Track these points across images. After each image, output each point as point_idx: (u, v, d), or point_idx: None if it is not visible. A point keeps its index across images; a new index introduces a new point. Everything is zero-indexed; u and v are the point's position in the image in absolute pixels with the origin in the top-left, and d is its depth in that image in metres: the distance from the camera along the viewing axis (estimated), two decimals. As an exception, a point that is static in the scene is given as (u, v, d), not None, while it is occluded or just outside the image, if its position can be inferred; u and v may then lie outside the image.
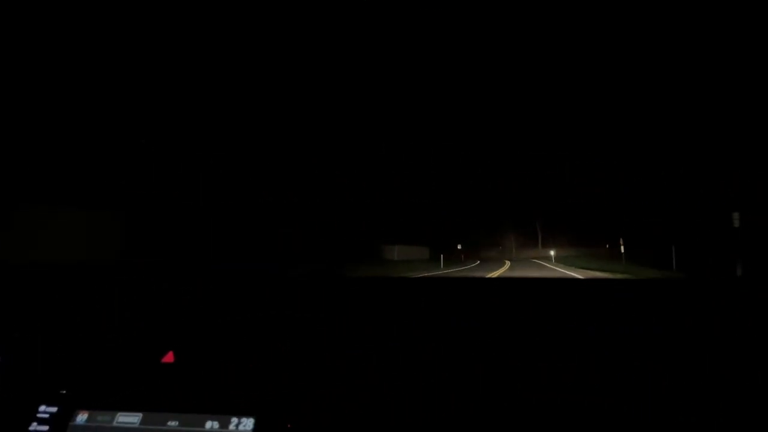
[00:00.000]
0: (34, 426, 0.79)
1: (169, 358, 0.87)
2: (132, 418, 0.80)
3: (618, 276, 2.53)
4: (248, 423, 0.78)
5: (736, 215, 1.69)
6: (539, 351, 0.89)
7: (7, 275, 1.12)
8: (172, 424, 0.79)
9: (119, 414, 0.80)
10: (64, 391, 0.82)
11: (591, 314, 0.98)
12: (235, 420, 0.79)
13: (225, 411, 0.79)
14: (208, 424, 0.79)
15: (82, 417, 0.80)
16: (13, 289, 1.04)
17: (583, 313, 0.99)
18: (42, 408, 0.81)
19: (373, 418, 0.80)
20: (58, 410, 0.79)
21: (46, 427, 0.78)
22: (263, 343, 0.91)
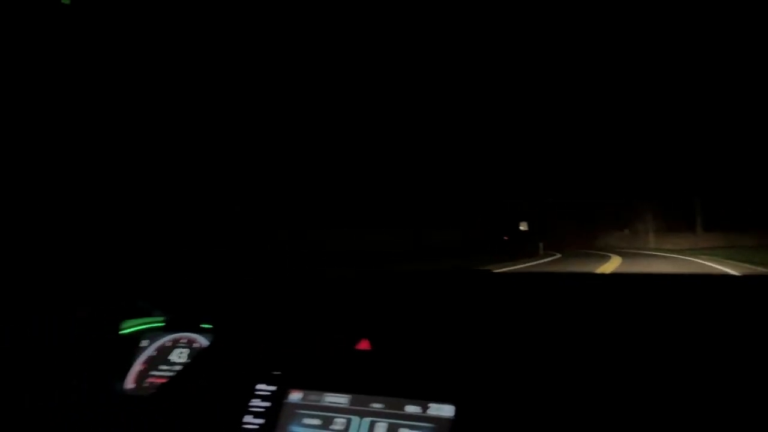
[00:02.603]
0: (255, 402, 0.89)
1: (365, 345, 0.94)
2: (341, 399, 0.88)
3: None
4: (448, 410, 0.83)
5: None
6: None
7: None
8: (377, 406, 0.86)
9: (328, 394, 0.88)
10: (278, 372, 0.91)
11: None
12: (434, 406, 0.84)
13: (424, 397, 0.85)
14: (410, 408, 0.85)
15: (296, 395, 0.90)
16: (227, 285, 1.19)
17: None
18: (260, 386, 0.91)
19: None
20: (277, 389, 0.89)
21: (268, 403, 0.88)
22: (459, 331, 0.96)
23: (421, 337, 0.96)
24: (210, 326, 1.21)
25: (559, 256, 8.02)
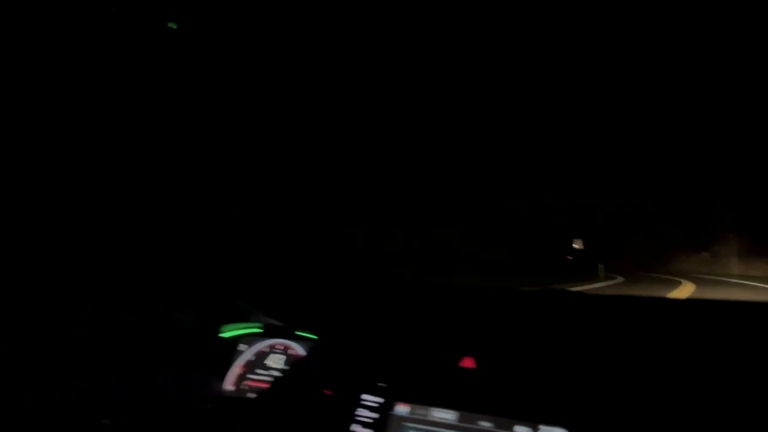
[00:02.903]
0: (362, 412, 0.92)
1: (469, 363, 0.95)
2: (448, 415, 0.88)
3: None
4: None
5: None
6: None
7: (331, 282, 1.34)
8: (485, 424, 0.86)
9: (435, 409, 0.89)
10: (384, 384, 0.93)
11: None
12: (545, 428, 0.83)
13: (534, 418, 0.84)
14: (519, 429, 0.84)
15: (403, 408, 0.91)
16: (336, 295, 1.24)
17: None
18: (366, 397, 0.93)
19: None
20: (384, 401, 0.91)
21: (375, 414, 0.90)
22: (565, 353, 0.95)
23: (525, 356, 0.95)
24: (305, 334, 1.26)
25: (621, 279, 7.57)
